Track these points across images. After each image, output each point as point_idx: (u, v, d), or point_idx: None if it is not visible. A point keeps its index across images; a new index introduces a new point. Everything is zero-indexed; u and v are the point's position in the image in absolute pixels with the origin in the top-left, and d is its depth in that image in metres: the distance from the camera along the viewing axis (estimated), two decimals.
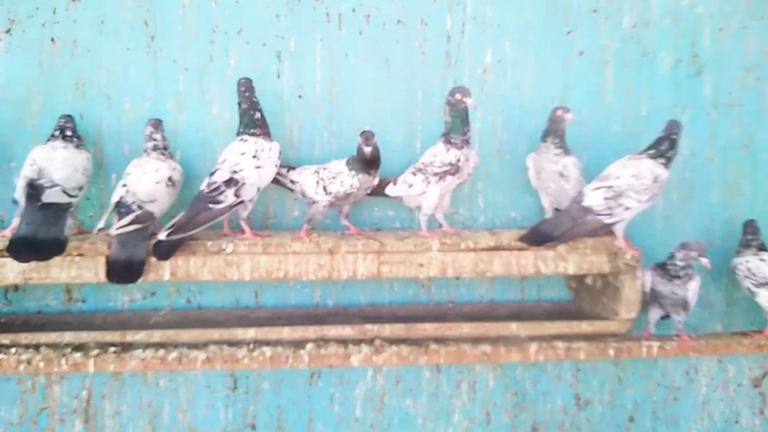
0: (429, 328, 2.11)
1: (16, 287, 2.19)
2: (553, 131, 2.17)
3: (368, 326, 2.08)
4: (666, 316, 2.27)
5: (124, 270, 1.85)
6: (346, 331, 2.07)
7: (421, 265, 2.03)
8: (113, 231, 1.83)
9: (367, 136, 2.00)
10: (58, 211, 1.88)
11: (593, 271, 2.11)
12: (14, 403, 2.22)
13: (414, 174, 2.12)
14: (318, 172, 2.09)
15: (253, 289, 2.34)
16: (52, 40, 2.15)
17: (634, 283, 2.09)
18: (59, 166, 1.92)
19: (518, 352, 2.07)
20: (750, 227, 2.33)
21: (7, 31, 2.13)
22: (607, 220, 2.05)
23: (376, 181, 2.12)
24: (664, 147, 2.10)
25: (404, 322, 2.14)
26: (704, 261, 2.09)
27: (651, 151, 2.11)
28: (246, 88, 2.04)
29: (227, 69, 2.25)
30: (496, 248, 2.07)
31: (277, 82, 2.27)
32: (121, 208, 1.87)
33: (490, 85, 2.39)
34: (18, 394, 2.22)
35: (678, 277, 2.11)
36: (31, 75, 2.15)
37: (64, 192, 1.89)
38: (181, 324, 2.11)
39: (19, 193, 1.90)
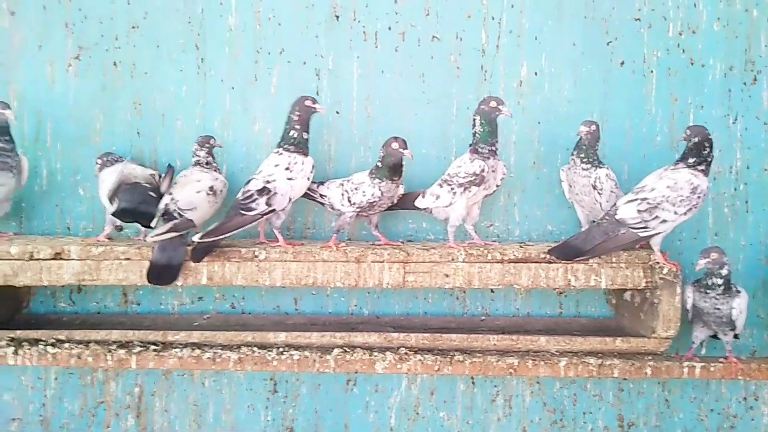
0: (455, 339, 2.10)
1: (79, 289, 2.40)
2: (580, 143, 2.13)
3: (394, 334, 2.11)
4: (715, 336, 2.14)
5: (162, 273, 1.99)
6: (373, 338, 2.11)
7: (447, 276, 2.04)
8: (150, 238, 1.97)
9: (403, 140, 2.08)
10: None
11: (627, 285, 2.04)
12: (76, 396, 2.42)
13: (441, 186, 2.15)
14: (342, 185, 2.17)
15: (293, 296, 2.44)
16: (114, 64, 2.37)
17: (672, 300, 1.99)
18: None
19: (547, 367, 2.03)
20: None
21: (76, 57, 2.36)
22: (642, 234, 1.98)
23: (400, 189, 2.17)
24: (703, 153, 2.00)
25: (435, 332, 2.16)
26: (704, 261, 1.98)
27: (690, 160, 2.02)
28: (292, 105, 2.15)
29: (270, 87, 2.38)
30: (524, 260, 2.04)
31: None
32: (165, 215, 2.02)
33: (526, 98, 2.38)
34: (79, 387, 2.42)
35: (712, 288, 2.00)
36: (95, 96, 2.36)
37: None
38: (222, 327, 2.23)
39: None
